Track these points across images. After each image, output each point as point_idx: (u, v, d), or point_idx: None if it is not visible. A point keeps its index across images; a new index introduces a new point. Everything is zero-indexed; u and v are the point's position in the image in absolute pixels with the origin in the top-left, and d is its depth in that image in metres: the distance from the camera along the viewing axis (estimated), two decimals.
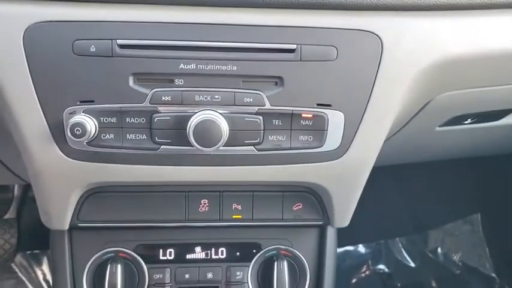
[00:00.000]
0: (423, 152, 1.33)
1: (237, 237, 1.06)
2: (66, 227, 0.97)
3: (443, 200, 2.13)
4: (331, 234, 1.07)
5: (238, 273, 1.04)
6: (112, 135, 0.85)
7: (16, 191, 1.99)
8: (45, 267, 2.03)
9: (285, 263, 1.03)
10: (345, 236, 1.15)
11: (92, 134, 0.82)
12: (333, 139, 0.89)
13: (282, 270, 1.02)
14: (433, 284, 2.10)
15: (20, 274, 2.06)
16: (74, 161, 0.86)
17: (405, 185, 2.16)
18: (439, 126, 1.12)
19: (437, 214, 2.16)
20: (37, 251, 2.05)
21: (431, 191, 2.14)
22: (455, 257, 2.16)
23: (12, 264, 2.06)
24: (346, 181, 0.95)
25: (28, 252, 2.05)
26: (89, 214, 0.98)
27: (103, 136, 0.85)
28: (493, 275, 2.09)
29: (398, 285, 2.09)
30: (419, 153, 1.35)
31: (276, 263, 1.03)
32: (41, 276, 2.04)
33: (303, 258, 1.07)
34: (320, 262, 1.08)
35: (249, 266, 1.05)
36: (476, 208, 2.14)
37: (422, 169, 2.03)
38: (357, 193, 0.98)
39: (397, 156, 1.35)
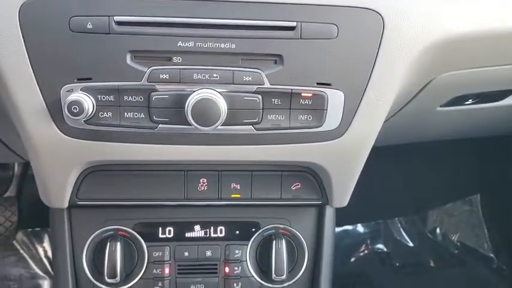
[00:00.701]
0: (424, 132, 1.32)
1: (236, 216, 1.06)
2: (66, 205, 0.97)
3: (443, 181, 2.13)
4: (329, 213, 1.07)
5: (237, 252, 1.05)
6: (110, 114, 0.84)
7: (16, 169, 1.99)
8: (46, 244, 2.04)
9: (284, 241, 1.04)
10: (343, 216, 1.15)
11: (90, 112, 0.82)
12: (333, 119, 0.88)
13: (280, 249, 1.03)
14: (431, 264, 2.12)
15: (21, 251, 2.07)
16: (72, 139, 0.86)
17: (405, 166, 2.16)
18: (440, 106, 1.11)
19: (437, 195, 2.17)
20: (38, 229, 2.07)
21: (431, 172, 2.14)
22: (453, 238, 2.17)
23: (14, 242, 2.08)
24: (345, 161, 0.95)
25: (29, 229, 2.06)
26: (88, 192, 0.98)
27: (101, 114, 0.84)
28: (491, 255, 2.11)
29: (397, 264, 2.10)
30: (419, 134, 1.35)
31: (274, 241, 1.03)
32: (42, 253, 2.06)
33: (301, 237, 1.07)
34: (318, 241, 1.08)
35: (247, 245, 1.05)
36: (476, 189, 2.14)
37: (422, 150, 2.03)
38: (356, 173, 0.97)
39: (398, 137, 1.34)
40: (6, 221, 1.98)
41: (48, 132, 0.85)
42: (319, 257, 1.07)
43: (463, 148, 1.98)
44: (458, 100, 1.12)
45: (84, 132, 0.85)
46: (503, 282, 2.01)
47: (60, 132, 0.85)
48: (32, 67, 0.81)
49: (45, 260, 2.06)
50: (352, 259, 2.12)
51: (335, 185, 0.98)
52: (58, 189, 0.94)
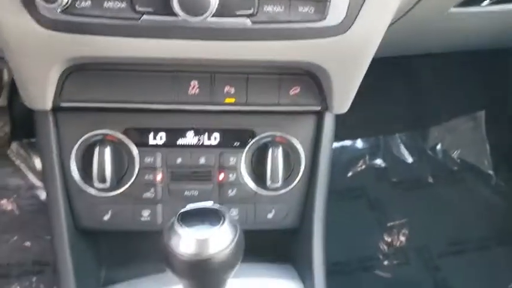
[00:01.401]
0: (432, 39, 1.24)
1: (231, 123, 1.01)
2: (49, 106, 0.92)
3: (448, 97, 2.08)
4: (328, 121, 1.02)
5: (231, 159, 1.01)
6: (88, 3, 0.76)
7: (6, 76, 1.92)
8: None
9: (280, 149, 0.99)
10: (343, 130, 1.10)
11: (65, 0, 0.74)
12: (337, 12, 0.80)
13: (276, 157, 0.99)
14: (429, 180, 2.11)
15: (17, 162, 2.06)
16: (48, 31, 0.78)
17: (409, 81, 2.10)
18: (454, 6, 1.03)
19: (441, 111, 2.13)
20: (33, 140, 2.04)
21: (436, 88, 2.09)
22: (454, 154, 2.15)
23: (9, 153, 2.06)
24: (348, 62, 0.88)
25: (24, 140, 2.04)
26: (72, 94, 0.92)
27: (78, 4, 0.76)
28: (490, 172, 2.10)
29: (394, 180, 2.10)
30: (428, 41, 1.26)
31: (270, 149, 0.99)
32: (38, 164, 2.05)
33: (298, 145, 1.03)
34: (316, 150, 1.04)
35: (242, 152, 1.01)
36: (481, 105, 2.09)
37: (427, 65, 1.96)
38: (358, 76, 0.91)
39: (404, 45, 1.26)
40: None
41: (21, 23, 0.77)
42: (316, 165, 1.03)
43: (470, 63, 1.91)
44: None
45: (61, 24, 0.78)
46: (501, 199, 2.01)
47: (35, 23, 0.77)
48: None
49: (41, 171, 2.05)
50: (349, 174, 2.11)
51: (336, 88, 0.92)
52: (39, 89, 0.88)
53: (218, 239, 0.67)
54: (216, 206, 0.72)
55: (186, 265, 0.67)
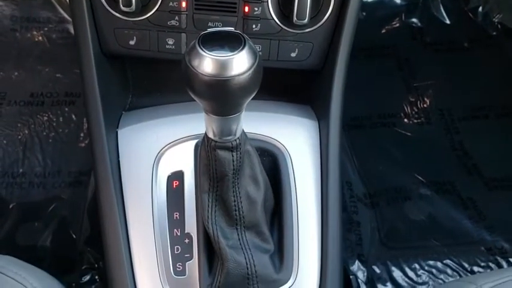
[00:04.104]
0: None
1: None
2: None
3: None
4: None
5: None
6: None
7: None
8: None
9: None
10: None
11: None
12: None
13: None
14: (465, 44, 2.04)
15: None
16: None
17: None
18: None
19: None
20: None
21: None
22: (495, 18, 2.04)
23: None
24: None
25: None
26: None
27: None
28: None
29: (428, 40, 2.03)
30: None
31: None
32: None
33: None
34: None
35: None
36: None
37: None
38: None
39: None
40: None
41: None
42: (346, 5, 1.00)
43: None
44: None
45: None
46: None
47: None
48: None
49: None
50: (383, 31, 2.05)
51: None
52: None
53: (238, 62, 0.68)
54: (238, 31, 0.72)
55: (207, 85, 0.68)
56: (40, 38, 2.02)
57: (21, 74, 1.93)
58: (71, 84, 1.90)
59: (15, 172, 1.71)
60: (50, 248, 1.57)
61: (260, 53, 1.02)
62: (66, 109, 1.86)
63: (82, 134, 1.79)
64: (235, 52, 0.68)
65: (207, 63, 0.67)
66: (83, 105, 1.83)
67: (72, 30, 1.99)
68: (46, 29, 2.05)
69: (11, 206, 1.64)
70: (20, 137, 1.78)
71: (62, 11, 2.07)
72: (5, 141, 1.77)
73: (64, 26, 2.06)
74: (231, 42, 0.69)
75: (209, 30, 0.71)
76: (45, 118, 1.83)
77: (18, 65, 1.94)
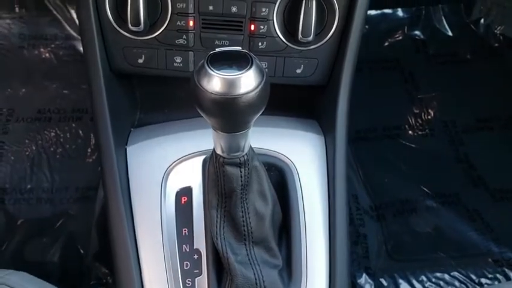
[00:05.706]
0: None
1: None
2: None
3: None
4: None
5: (263, 9, 0.99)
6: None
7: None
8: None
9: (314, 2, 0.97)
10: None
11: None
12: None
13: (309, 10, 0.97)
14: (467, 56, 2.05)
15: (55, 12, 2.07)
16: None
17: None
18: None
19: None
20: None
21: None
22: (497, 30, 2.06)
23: (47, 3, 2.07)
24: None
25: None
26: None
27: None
28: None
29: (430, 53, 2.04)
30: None
31: (304, 1, 0.97)
32: (75, 15, 2.06)
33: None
34: (351, 7, 1.01)
35: (275, 3, 0.99)
36: None
37: None
38: None
39: None
40: None
41: None
42: (350, 23, 1.01)
43: None
44: None
45: None
46: None
47: None
48: None
49: (78, 22, 2.07)
50: (386, 44, 2.06)
51: None
52: None
53: (246, 81, 0.69)
54: (245, 51, 0.73)
55: (215, 103, 0.70)
56: (47, 54, 2.04)
57: (29, 90, 1.95)
58: (77, 100, 1.92)
59: (23, 188, 1.72)
60: (58, 264, 1.58)
61: (266, 70, 1.03)
62: (74, 125, 1.88)
63: (89, 150, 1.80)
64: (243, 71, 0.69)
65: (215, 82, 0.69)
66: (90, 121, 1.87)
67: (78, 47, 2.04)
68: (53, 45, 2.07)
69: (19, 222, 1.65)
70: (27, 153, 1.79)
71: (68, 28, 2.10)
72: (12, 158, 1.78)
73: (71, 43, 2.08)
74: (239, 61, 0.71)
75: (217, 49, 0.73)
76: (53, 134, 1.84)
77: (26, 81, 1.96)
